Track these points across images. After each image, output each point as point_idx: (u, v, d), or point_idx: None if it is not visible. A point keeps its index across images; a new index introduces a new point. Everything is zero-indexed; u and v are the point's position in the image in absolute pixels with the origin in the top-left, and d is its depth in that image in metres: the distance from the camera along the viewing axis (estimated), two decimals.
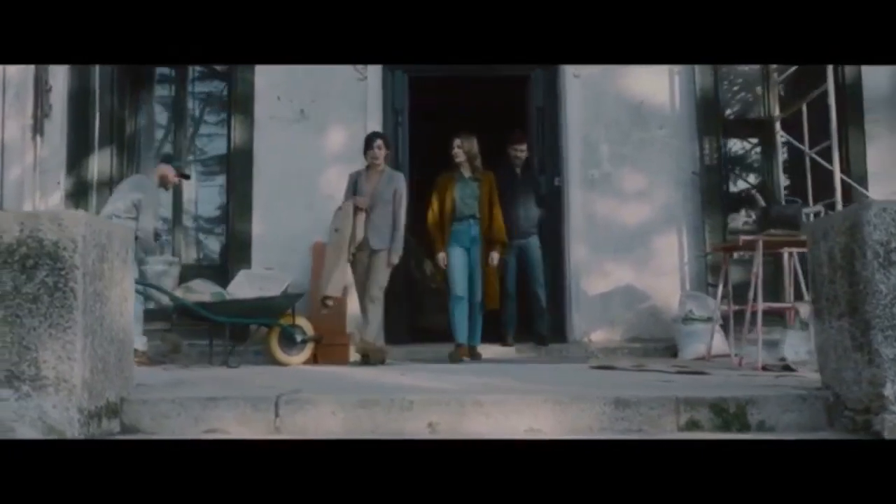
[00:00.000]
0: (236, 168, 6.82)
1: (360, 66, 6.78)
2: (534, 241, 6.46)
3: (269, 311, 5.70)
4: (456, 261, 5.95)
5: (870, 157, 6.68)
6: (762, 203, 5.45)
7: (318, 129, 6.82)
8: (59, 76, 6.80)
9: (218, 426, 2.86)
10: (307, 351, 5.77)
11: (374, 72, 6.84)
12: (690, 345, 6.01)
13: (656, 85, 6.84)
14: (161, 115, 7.39)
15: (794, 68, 6.76)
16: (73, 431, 2.57)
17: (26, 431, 2.54)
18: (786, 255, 5.66)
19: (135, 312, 3.78)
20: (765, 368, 4.57)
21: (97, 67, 6.84)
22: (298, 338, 5.73)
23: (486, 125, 6.81)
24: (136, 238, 5.29)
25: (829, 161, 5.93)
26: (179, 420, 2.88)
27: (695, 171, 6.75)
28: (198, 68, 7.27)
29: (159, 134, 7.37)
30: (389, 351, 5.79)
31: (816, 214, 5.39)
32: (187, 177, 6.42)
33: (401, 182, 5.82)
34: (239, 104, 6.86)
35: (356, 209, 5.62)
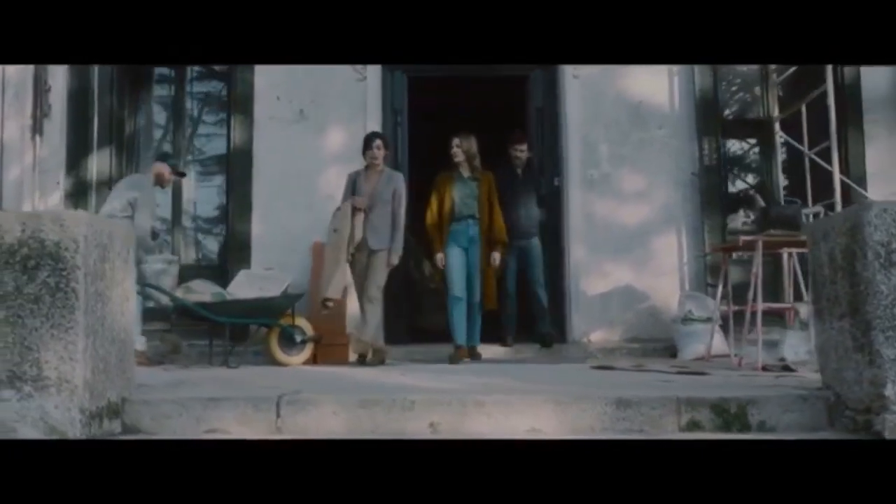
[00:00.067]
0: (236, 168, 6.82)
1: (359, 67, 6.77)
2: (535, 242, 6.43)
3: (269, 312, 5.70)
4: (454, 261, 5.93)
5: (869, 158, 6.68)
6: (762, 203, 5.45)
7: (317, 129, 6.82)
8: (59, 76, 6.79)
9: (219, 426, 2.86)
10: (307, 351, 5.77)
11: (373, 72, 6.84)
12: (690, 345, 6.02)
13: (655, 85, 6.84)
14: (161, 116, 7.38)
15: (793, 69, 6.76)
16: (75, 432, 2.57)
17: (28, 432, 2.54)
18: (785, 256, 5.67)
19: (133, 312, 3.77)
20: (765, 369, 4.57)
21: (96, 67, 6.83)
22: (298, 338, 5.73)
23: (486, 125, 6.80)
24: None
25: (828, 161, 5.93)
26: (181, 420, 2.88)
27: (694, 172, 6.76)
28: (197, 68, 7.26)
29: (159, 134, 7.36)
30: (389, 351, 5.79)
31: (816, 215, 5.40)
32: (183, 174, 6.41)
33: (400, 182, 5.80)
34: (238, 104, 6.86)
35: (354, 209, 5.61)
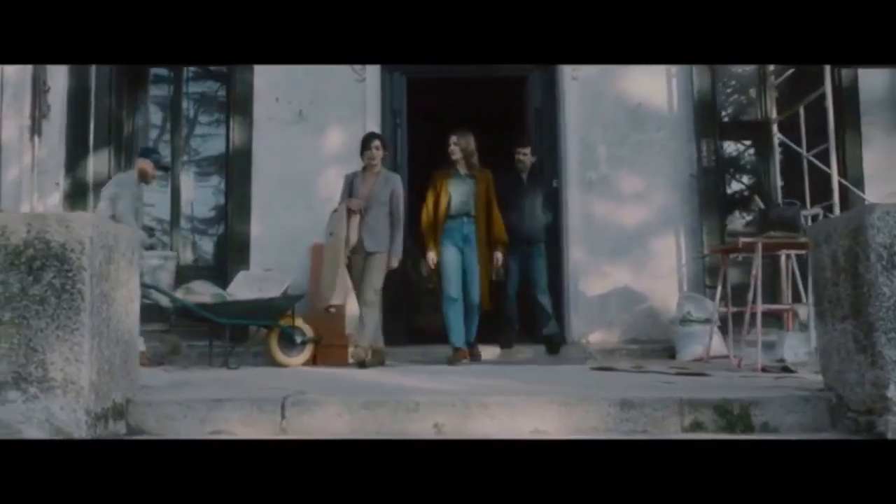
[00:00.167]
0: (235, 169, 6.82)
1: (358, 68, 6.78)
2: (540, 249, 6.33)
3: (269, 313, 5.70)
4: (449, 260, 5.88)
5: (866, 160, 6.71)
6: (761, 205, 5.47)
7: (316, 130, 6.82)
8: (58, 76, 6.78)
9: (224, 428, 2.87)
10: (307, 352, 5.77)
11: (372, 73, 6.84)
12: (688, 346, 6.04)
13: (654, 87, 6.86)
14: (160, 116, 7.37)
15: (790, 71, 6.79)
16: (81, 433, 2.57)
17: (34, 433, 2.54)
18: (783, 257, 5.69)
19: None
20: (764, 370, 4.59)
21: (94, 68, 6.82)
22: (298, 339, 5.73)
23: (485, 126, 6.81)
24: None
25: (826, 163, 5.96)
26: (185, 422, 2.88)
27: (692, 173, 6.78)
28: (196, 69, 7.25)
29: (158, 135, 7.35)
30: (388, 353, 5.79)
31: (815, 217, 5.41)
32: (167, 168, 6.39)
33: (398, 184, 5.77)
34: (238, 105, 6.86)
35: (350, 212, 5.57)
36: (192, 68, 7.23)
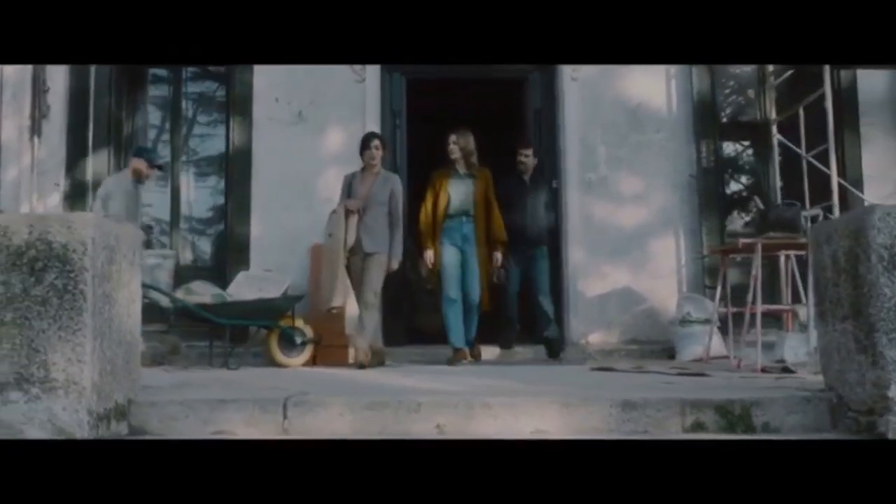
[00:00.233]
0: (235, 169, 6.82)
1: (358, 68, 6.78)
2: (543, 251, 6.26)
3: (269, 313, 5.70)
4: (449, 260, 5.87)
5: (865, 161, 6.73)
6: (761, 206, 5.48)
7: (316, 130, 6.83)
8: (58, 77, 6.78)
9: (226, 428, 2.86)
10: (306, 353, 5.77)
11: (372, 74, 6.85)
12: (688, 347, 6.05)
13: (653, 88, 6.88)
14: (160, 117, 7.37)
15: (790, 72, 6.81)
16: (83, 434, 2.57)
17: (36, 434, 2.54)
18: (782, 258, 5.70)
19: None
20: (764, 370, 4.59)
21: (93, 68, 6.82)
22: (298, 340, 5.73)
23: (485, 127, 6.81)
24: None
25: (825, 164, 5.97)
26: (187, 422, 2.88)
27: (692, 174, 6.79)
28: (196, 69, 7.25)
29: (158, 135, 7.35)
30: (388, 353, 5.78)
31: (814, 217, 5.42)
32: (161, 167, 6.39)
33: (397, 184, 5.73)
34: (237, 105, 6.86)
35: (348, 212, 5.54)
36: (191, 69, 7.23)
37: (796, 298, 5.50)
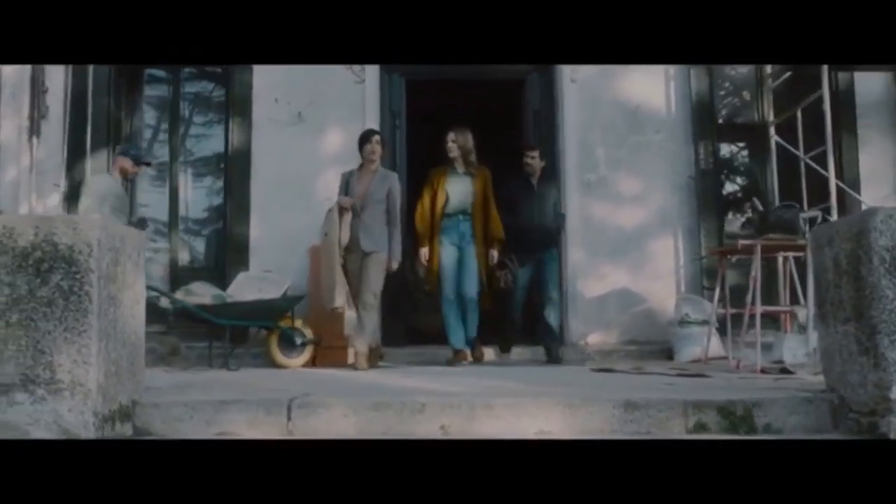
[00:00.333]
0: (234, 170, 6.82)
1: (357, 69, 6.79)
2: (553, 254, 6.22)
3: (269, 314, 5.71)
4: (447, 260, 5.85)
5: (862, 162, 6.77)
6: (760, 207, 5.50)
7: (315, 131, 6.83)
8: (56, 77, 6.77)
9: (230, 429, 2.87)
10: (306, 354, 5.78)
11: (371, 74, 6.85)
12: (686, 347, 6.06)
13: (652, 89, 6.90)
14: (158, 117, 7.37)
15: (788, 73, 6.83)
16: (88, 435, 2.57)
17: (41, 435, 2.54)
18: (780, 259, 5.72)
19: None
20: (763, 371, 4.61)
21: (92, 68, 6.80)
22: (298, 340, 5.73)
23: (484, 128, 6.81)
24: None
25: (823, 166, 5.99)
26: (191, 423, 2.88)
27: (690, 175, 6.81)
28: (195, 70, 7.25)
29: (157, 136, 7.34)
30: (387, 353, 5.78)
31: (813, 219, 5.44)
32: (148, 164, 6.37)
33: (395, 182, 5.65)
34: (237, 106, 6.86)
35: (342, 210, 5.46)
36: (190, 69, 7.22)
37: (794, 300, 5.52)
